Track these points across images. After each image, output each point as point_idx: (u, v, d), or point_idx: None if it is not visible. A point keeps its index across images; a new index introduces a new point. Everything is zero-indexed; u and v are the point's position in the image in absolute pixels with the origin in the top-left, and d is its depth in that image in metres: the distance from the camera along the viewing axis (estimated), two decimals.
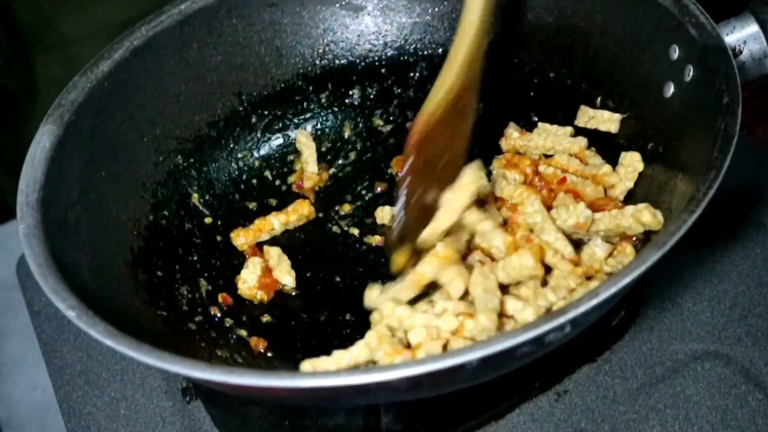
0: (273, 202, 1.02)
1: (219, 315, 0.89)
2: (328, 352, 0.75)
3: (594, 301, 0.60)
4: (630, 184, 0.88)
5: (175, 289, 0.89)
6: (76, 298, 0.67)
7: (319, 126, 1.08)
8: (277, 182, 1.04)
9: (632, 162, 0.88)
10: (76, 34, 1.38)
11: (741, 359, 0.86)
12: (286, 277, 0.92)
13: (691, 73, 0.81)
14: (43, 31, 1.38)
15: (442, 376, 0.60)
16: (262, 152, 1.05)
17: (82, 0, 1.37)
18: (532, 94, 1.03)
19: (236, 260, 0.95)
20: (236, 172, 1.03)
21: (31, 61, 1.41)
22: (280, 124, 1.07)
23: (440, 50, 1.07)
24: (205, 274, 0.93)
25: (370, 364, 0.74)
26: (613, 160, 0.91)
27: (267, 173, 1.05)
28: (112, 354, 0.94)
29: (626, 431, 0.82)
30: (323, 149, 1.07)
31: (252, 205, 1.02)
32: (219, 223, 0.99)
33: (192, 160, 1.00)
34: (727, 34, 0.82)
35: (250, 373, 0.60)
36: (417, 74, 1.09)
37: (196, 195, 0.99)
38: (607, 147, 0.94)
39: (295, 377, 0.60)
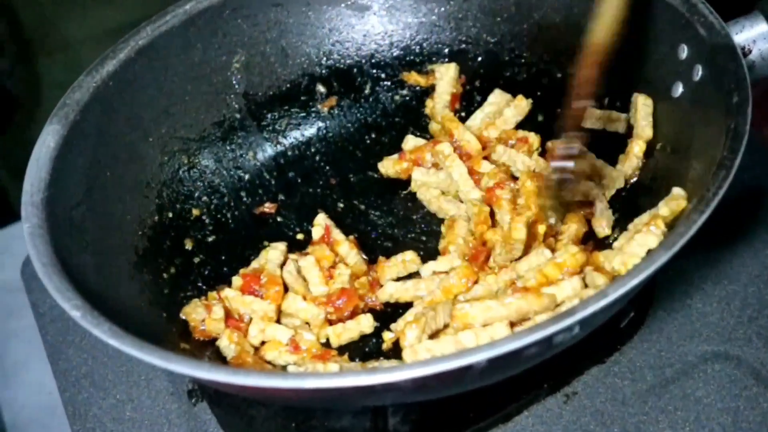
0: (271, 207, 1.02)
1: None
2: None
3: (603, 302, 0.59)
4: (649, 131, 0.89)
5: (179, 290, 0.88)
6: (81, 298, 0.67)
7: (323, 126, 1.08)
8: (281, 184, 1.04)
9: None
10: (79, 37, 1.38)
11: (752, 360, 0.85)
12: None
13: (700, 73, 0.81)
14: (47, 34, 1.38)
15: (449, 376, 0.60)
16: (268, 153, 1.05)
17: (85, 3, 1.37)
18: (539, 94, 1.03)
19: (241, 261, 0.94)
20: (241, 173, 1.03)
21: (35, 64, 1.41)
22: (286, 125, 1.06)
23: (446, 50, 1.07)
24: (210, 275, 0.93)
25: None
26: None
27: (272, 174, 1.04)
28: (118, 356, 0.93)
29: None
30: (329, 150, 1.07)
31: (257, 207, 1.01)
32: (223, 222, 0.98)
33: (197, 161, 0.99)
34: (737, 34, 0.82)
35: (255, 374, 0.60)
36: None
37: (200, 195, 0.98)
38: (614, 148, 0.93)
39: (301, 378, 0.60)
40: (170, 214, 0.94)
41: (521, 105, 1.02)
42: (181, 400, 0.90)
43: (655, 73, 0.88)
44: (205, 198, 0.99)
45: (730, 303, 0.90)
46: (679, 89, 0.85)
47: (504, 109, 1.02)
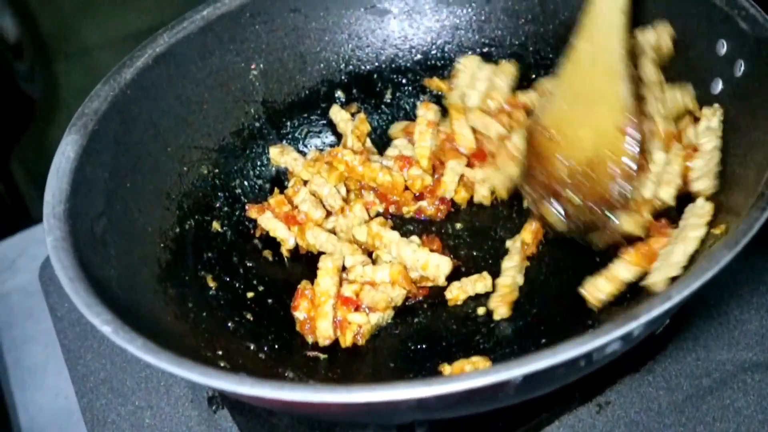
0: None
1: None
2: None
3: (666, 304, 0.57)
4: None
5: (205, 304, 0.86)
6: (110, 313, 0.65)
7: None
8: None
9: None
10: (98, 42, 1.40)
11: None
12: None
13: (743, 68, 0.79)
14: (66, 39, 1.41)
15: (485, 392, 0.58)
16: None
17: (104, 9, 1.39)
18: None
19: (267, 271, 0.93)
20: (261, 182, 1.01)
21: (54, 68, 1.43)
22: (306, 132, 1.05)
23: (468, 53, 1.05)
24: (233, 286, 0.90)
25: None
26: None
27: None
28: (137, 362, 0.93)
29: None
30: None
31: None
32: (244, 233, 0.96)
33: (217, 171, 0.97)
34: None
35: (299, 389, 0.57)
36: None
37: (221, 205, 0.96)
38: None
39: (331, 391, 0.58)
40: (191, 225, 0.92)
41: (508, 69, 1.01)
42: (201, 407, 0.89)
43: (693, 70, 0.86)
44: (226, 208, 0.96)
45: None
46: (719, 86, 0.83)
47: (494, 78, 1.01)
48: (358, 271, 0.88)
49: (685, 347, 0.87)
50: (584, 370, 0.66)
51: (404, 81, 1.07)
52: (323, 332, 0.84)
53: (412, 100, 1.07)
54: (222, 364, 0.79)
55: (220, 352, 0.79)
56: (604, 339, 0.57)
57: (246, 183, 0.99)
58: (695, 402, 0.82)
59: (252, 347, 0.83)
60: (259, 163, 1.01)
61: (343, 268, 0.89)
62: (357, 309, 0.85)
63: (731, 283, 0.91)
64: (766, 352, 0.85)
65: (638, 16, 0.91)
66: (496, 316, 0.84)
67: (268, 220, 0.95)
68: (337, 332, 0.85)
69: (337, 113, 1.04)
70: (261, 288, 0.91)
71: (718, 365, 0.85)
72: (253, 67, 1.00)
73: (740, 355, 0.85)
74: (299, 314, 0.86)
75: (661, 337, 0.87)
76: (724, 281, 0.91)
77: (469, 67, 1.03)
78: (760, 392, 0.82)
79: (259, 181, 1.01)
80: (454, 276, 0.89)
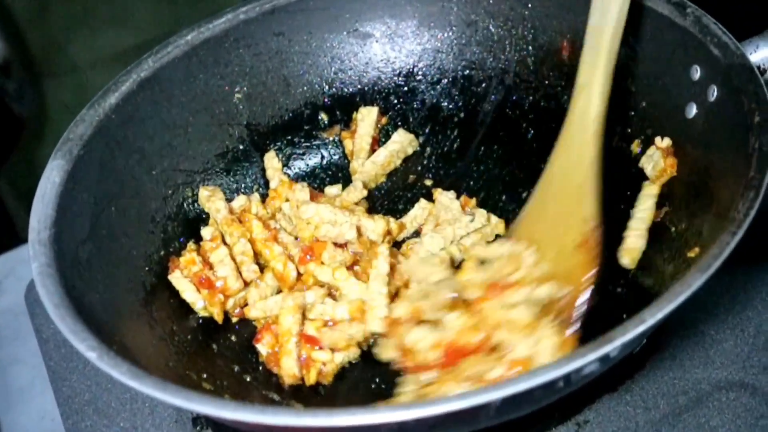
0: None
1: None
2: None
3: (640, 328, 0.58)
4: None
5: (190, 326, 0.86)
6: (95, 339, 0.65)
7: (327, 155, 1.07)
8: None
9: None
10: (86, 60, 1.39)
11: (767, 389, 0.84)
12: None
13: (715, 93, 0.80)
14: (55, 58, 1.39)
15: (465, 414, 0.59)
16: (272, 184, 1.03)
17: (93, 27, 1.38)
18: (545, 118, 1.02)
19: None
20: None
21: (43, 87, 1.42)
22: (290, 154, 1.06)
23: (450, 77, 1.07)
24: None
25: None
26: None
27: None
28: (122, 383, 0.90)
29: None
30: (334, 179, 1.06)
31: None
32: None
33: (201, 193, 0.97)
34: (751, 53, 0.82)
35: (285, 413, 0.58)
36: (426, 101, 1.08)
37: (206, 229, 0.96)
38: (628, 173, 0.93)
39: (317, 415, 0.58)
40: (176, 248, 0.93)
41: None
42: (186, 427, 0.89)
43: (667, 95, 0.88)
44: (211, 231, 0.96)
45: (743, 330, 0.89)
46: (693, 110, 0.84)
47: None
48: (318, 309, 0.87)
49: (662, 366, 0.87)
50: (563, 391, 0.67)
51: (386, 103, 1.08)
52: (287, 370, 0.83)
53: (393, 122, 1.08)
54: (207, 387, 0.80)
55: (204, 375, 0.80)
56: (582, 361, 0.58)
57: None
58: (671, 420, 0.83)
59: (236, 369, 0.84)
60: (243, 185, 1.02)
61: None
62: (321, 347, 0.85)
63: (707, 302, 0.91)
64: (741, 371, 0.86)
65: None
66: None
67: (177, 279, 0.90)
68: (302, 371, 0.84)
69: (271, 159, 1.04)
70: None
71: (694, 384, 0.85)
72: (237, 90, 1.01)
73: (716, 374, 0.86)
74: (262, 348, 0.86)
75: (638, 357, 0.87)
76: (700, 301, 0.91)
77: (367, 117, 1.05)
78: (734, 411, 0.83)
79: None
80: None
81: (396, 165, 1.06)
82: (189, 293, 0.89)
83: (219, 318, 0.88)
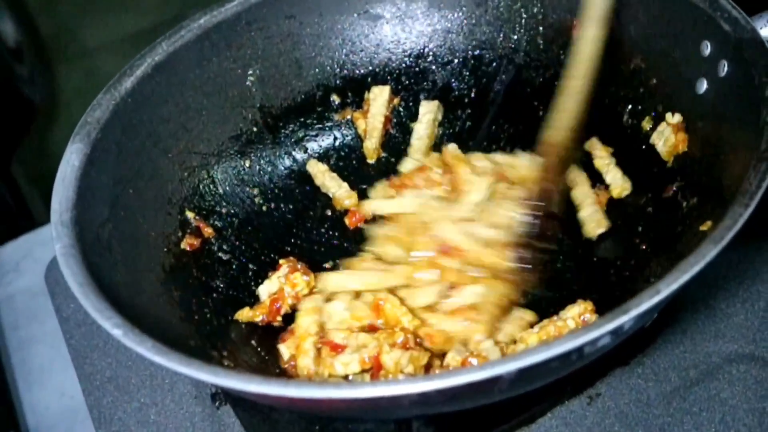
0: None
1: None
2: None
3: (655, 298, 0.59)
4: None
5: (208, 306, 0.87)
6: (119, 317, 0.66)
7: (340, 136, 1.08)
8: (302, 195, 1.04)
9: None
10: (97, 44, 1.40)
11: None
12: None
13: (726, 68, 0.81)
14: (66, 42, 1.40)
15: (478, 387, 0.60)
16: (286, 164, 1.04)
17: (103, 11, 1.39)
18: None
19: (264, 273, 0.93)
20: (261, 186, 1.02)
21: (54, 71, 1.43)
22: (303, 136, 1.07)
23: (460, 57, 1.07)
24: (234, 289, 0.92)
25: None
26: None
27: (291, 185, 1.04)
28: (141, 360, 0.94)
29: None
30: (347, 160, 1.07)
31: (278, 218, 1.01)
32: (243, 237, 0.98)
33: (216, 175, 0.99)
34: (761, 28, 0.82)
35: (300, 385, 0.59)
36: (437, 81, 1.08)
37: (221, 209, 0.97)
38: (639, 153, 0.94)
39: (340, 387, 0.59)
40: (193, 229, 0.94)
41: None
42: (205, 403, 0.90)
43: (677, 71, 0.88)
44: (225, 212, 0.98)
45: (753, 304, 0.90)
46: (703, 86, 0.85)
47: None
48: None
49: (673, 340, 0.88)
50: (576, 363, 0.68)
51: (398, 84, 1.09)
52: (303, 369, 0.81)
53: (405, 103, 1.09)
54: (226, 363, 0.81)
55: (225, 353, 0.81)
56: (596, 333, 0.59)
57: (245, 187, 1.01)
58: (683, 393, 0.84)
59: (257, 348, 0.85)
60: (257, 167, 1.03)
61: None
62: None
63: (717, 276, 0.92)
64: (751, 343, 0.87)
65: (625, 16, 0.94)
66: None
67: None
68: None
69: (314, 166, 1.05)
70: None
71: (705, 357, 0.86)
72: (249, 73, 1.02)
73: (726, 347, 0.87)
74: (284, 350, 0.84)
75: (650, 331, 0.88)
76: (711, 275, 0.92)
77: (379, 97, 1.06)
78: (744, 383, 0.84)
79: (259, 185, 1.03)
80: None
81: (437, 133, 1.07)
82: None
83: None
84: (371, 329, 0.83)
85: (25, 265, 1.17)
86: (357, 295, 0.87)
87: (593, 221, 0.92)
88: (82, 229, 0.76)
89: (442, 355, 0.80)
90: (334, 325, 0.84)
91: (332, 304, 0.85)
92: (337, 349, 0.81)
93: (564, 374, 0.70)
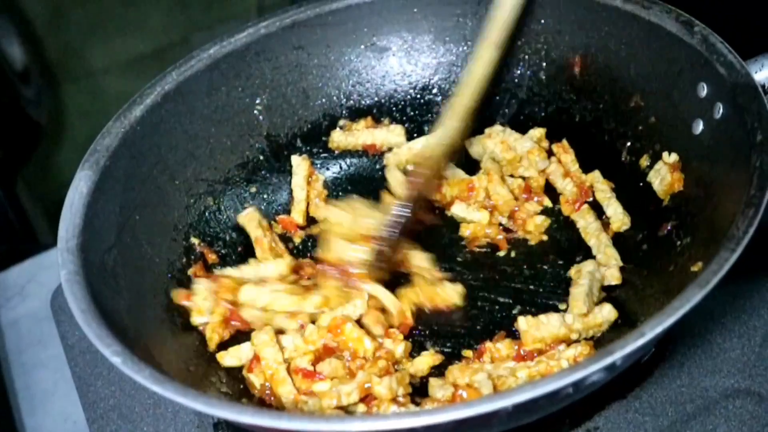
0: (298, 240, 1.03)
1: None
2: None
3: (640, 341, 0.60)
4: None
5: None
6: (120, 344, 0.68)
7: (345, 166, 1.10)
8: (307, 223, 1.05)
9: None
10: (103, 66, 1.41)
11: None
12: None
13: (721, 111, 0.82)
14: (72, 64, 1.41)
15: (478, 420, 0.61)
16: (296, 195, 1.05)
17: (109, 33, 1.39)
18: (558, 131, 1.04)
19: None
20: (267, 213, 1.04)
21: (60, 92, 1.43)
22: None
23: None
24: None
25: None
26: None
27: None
28: (145, 389, 0.91)
29: None
30: (353, 189, 1.08)
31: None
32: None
33: (222, 202, 1.01)
34: (756, 72, 0.83)
35: (300, 418, 0.61)
36: (442, 113, 1.09)
37: (226, 236, 0.99)
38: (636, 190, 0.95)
39: (331, 421, 0.60)
40: (198, 255, 0.95)
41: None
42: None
43: (675, 111, 0.89)
44: (230, 239, 1.00)
45: (750, 339, 0.90)
46: (699, 127, 0.86)
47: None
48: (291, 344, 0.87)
49: (670, 374, 0.88)
50: (572, 397, 0.69)
51: (403, 115, 1.10)
52: (287, 395, 0.81)
53: (409, 134, 1.10)
54: (224, 390, 0.83)
55: (224, 380, 0.82)
56: (585, 371, 0.60)
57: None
58: (679, 427, 0.84)
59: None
60: (263, 195, 1.05)
61: None
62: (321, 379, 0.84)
63: (714, 311, 0.92)
64: (747, 379, 0.86)
65: (626, 55, 0.96)
66: None
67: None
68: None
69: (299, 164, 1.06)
70: None
71: (702, 392, 0.86)
72: (257, 102, 1.04)
73: (723, 382, 0.87)
74: (255, 379, 0.84)
75: (647, 365, 0.88)
76: (707, 310, 0.92)
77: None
78: (740, 418, 0.83)
79: (266, 213, 1.03)
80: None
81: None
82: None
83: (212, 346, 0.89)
84: (327, 351, 0.85)
85: (29, 289, 1.17)
86: (312, 320, 0.89)
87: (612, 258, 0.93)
88: (88, 256, 0.78)
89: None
90: (289, 354, 0.85)
91: (282, 338, 0.86)
92: (311, 376, 0.82)
93: (561, 407, 0.71)
